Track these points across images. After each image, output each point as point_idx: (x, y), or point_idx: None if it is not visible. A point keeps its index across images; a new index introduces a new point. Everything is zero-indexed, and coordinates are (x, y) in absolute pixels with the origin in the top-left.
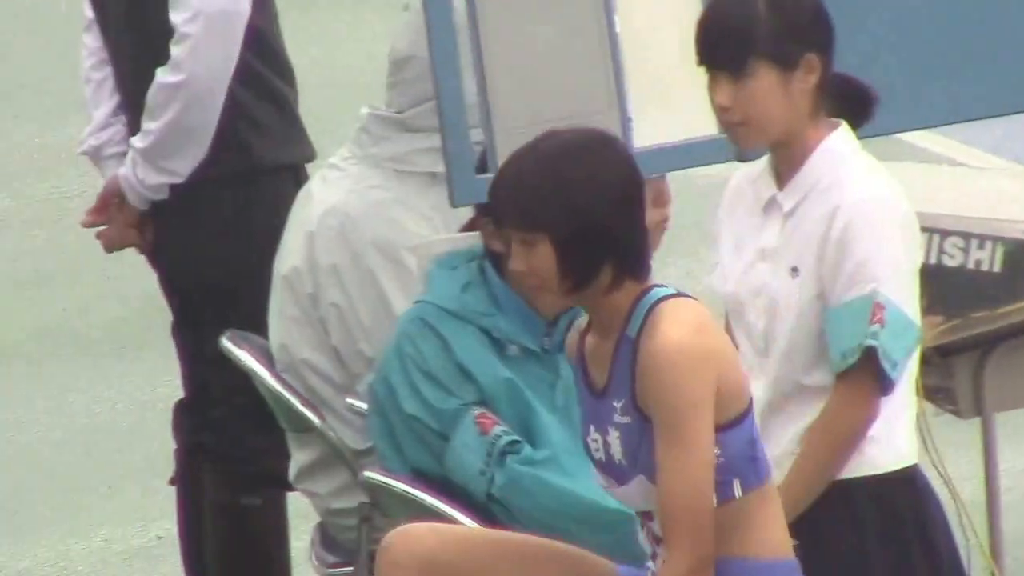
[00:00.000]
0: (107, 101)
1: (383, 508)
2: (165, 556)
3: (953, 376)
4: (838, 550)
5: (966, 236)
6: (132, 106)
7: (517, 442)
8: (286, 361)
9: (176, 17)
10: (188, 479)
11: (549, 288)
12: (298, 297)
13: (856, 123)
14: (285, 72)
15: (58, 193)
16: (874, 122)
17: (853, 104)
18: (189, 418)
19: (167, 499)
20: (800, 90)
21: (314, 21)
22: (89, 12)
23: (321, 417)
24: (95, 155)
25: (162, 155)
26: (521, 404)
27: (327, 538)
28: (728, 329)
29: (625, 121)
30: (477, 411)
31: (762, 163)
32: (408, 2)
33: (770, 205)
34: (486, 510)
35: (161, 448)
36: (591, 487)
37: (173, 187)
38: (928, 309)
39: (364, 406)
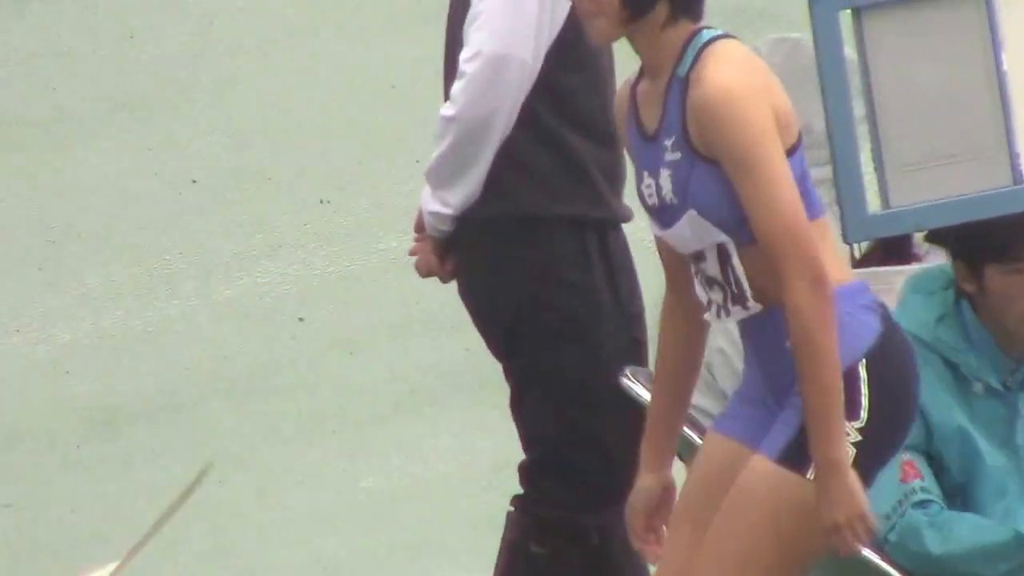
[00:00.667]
0: None
1: None
2: None
3: None
4: None
5: None
6: None
7: (931, 502)
8: None
9: (462, 55)
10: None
11: (607, 14)
12: None
13: None
14: (586, 126)
15: (276, 241)
16: None
17: None
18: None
19: None
20: None
21: None
22: None
23: None
24: None
25: (437, 184)
26: (970, 452)
27: None
28: None
29: (1015, 157)
30: (908, 456)
31: None
32: (756, 47)
33: None
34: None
35: None
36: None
37: (462, 222)
38: None
39: None
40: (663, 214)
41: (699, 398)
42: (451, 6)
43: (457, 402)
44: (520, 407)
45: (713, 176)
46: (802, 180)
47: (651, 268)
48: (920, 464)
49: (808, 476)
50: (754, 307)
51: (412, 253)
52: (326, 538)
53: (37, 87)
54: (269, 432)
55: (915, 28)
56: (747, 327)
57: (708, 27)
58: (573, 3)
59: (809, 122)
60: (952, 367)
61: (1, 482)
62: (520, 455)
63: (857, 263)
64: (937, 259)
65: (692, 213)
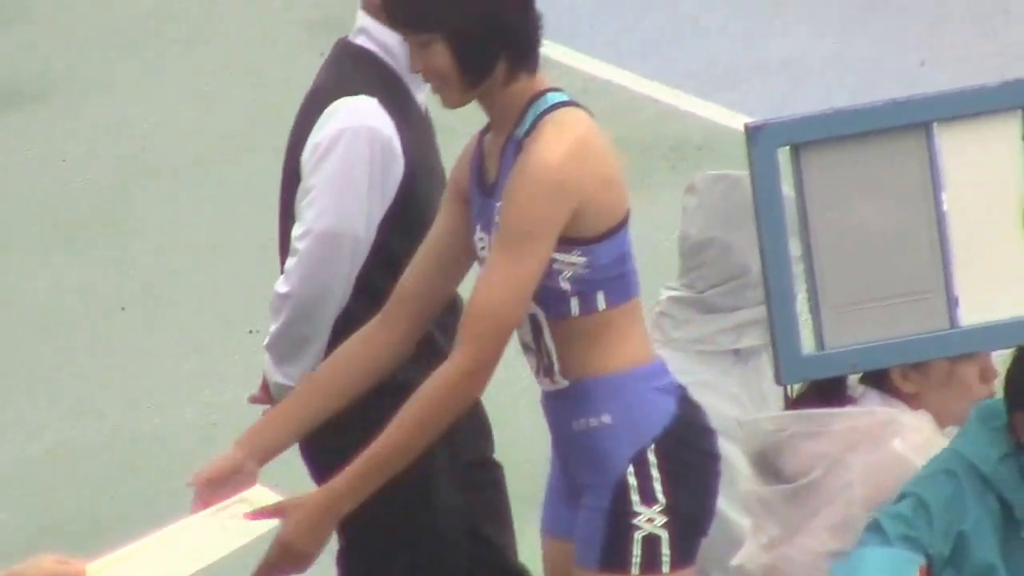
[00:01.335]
0: None
1: None
2: None
3: None
4: None
5: None
6: None
7: None
8: None
9: (294, 231)
10: None
11: (450, 86)
12: None
13: None
14: None
15: (207, 371)
16: None
17: None
18: None
19: None
20: None
21: None
22: None
23: None
24: None
25: (279, 357)
26: None
27: None
28: None
29: (952, 300)
30: (925, 562)
31: None
32: (693, 183)
33: None
34: None
35: None
36: None
37: None
38: None
39: None
40: None
41: None
42: (283, 175)
43: None
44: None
45: None
46: (622, 260)
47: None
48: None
49: (633, 572)
50: (560, 382)
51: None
52: None
53: None
54: None
55: (854, 166)
56: (549, 402)
57: (554, 89)
58: (422, 76)
59: (746, 261)
60: (1006, 507)
61: None
62: None
63: (792, 404)
64: (871, 402)
65: None
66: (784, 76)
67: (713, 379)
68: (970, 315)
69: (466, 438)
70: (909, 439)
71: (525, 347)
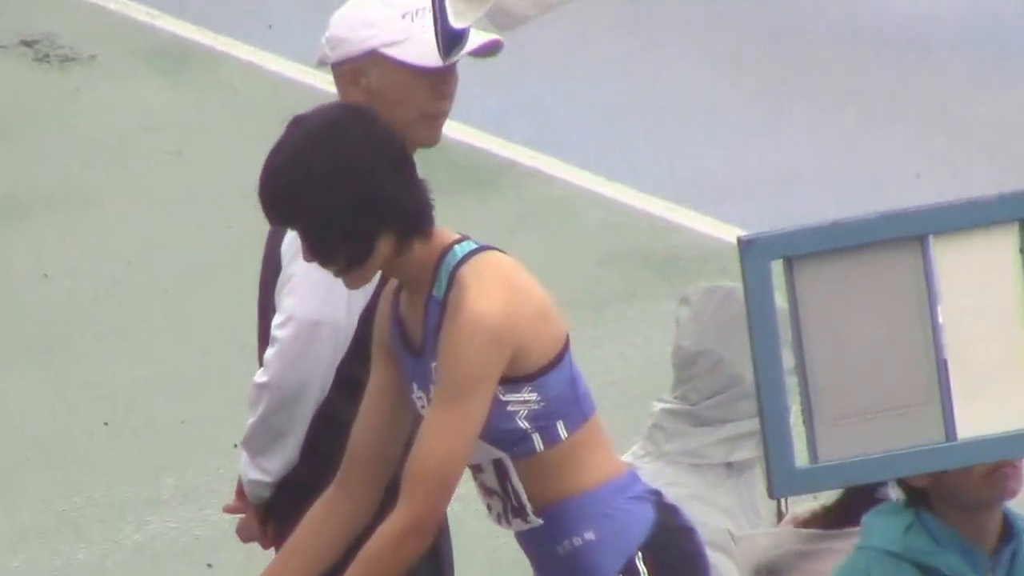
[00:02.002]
0: None
1: None
2: None
3: None
4: None
5: None
6: None
7: None
8: None
9: (274, 320)
10: None
11: (338, 272)
12: None
13: None
14: None
15: (189, 484)
16: None
17: None
18: None
19: None
20: None
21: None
22: None
23: None
24: None
25: (256, 452)
26: None
27: None
28: None
29: (948, 412)
30: None
31: None
32: (687, 295)
33: None
34: None
35: None
36: None
37: (280, 488)
38: None
39: None
40: None
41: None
42: (263, 270)
43: None
44: None
45: None
46: (573, 385)
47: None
48: None
49: None
50: (534, 521)
51: (230, 512)
52: None
53: None
54: None
55: (848, 278)
56: (526, 537)
57: (461, 240)
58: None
59: (739, 372)
60: (930, 571)
61: None
62: None
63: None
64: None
65: None
66: (778, 188)
67: (706, 492)
68: (967, 428)
69: None
70: None
71: (488, 492)
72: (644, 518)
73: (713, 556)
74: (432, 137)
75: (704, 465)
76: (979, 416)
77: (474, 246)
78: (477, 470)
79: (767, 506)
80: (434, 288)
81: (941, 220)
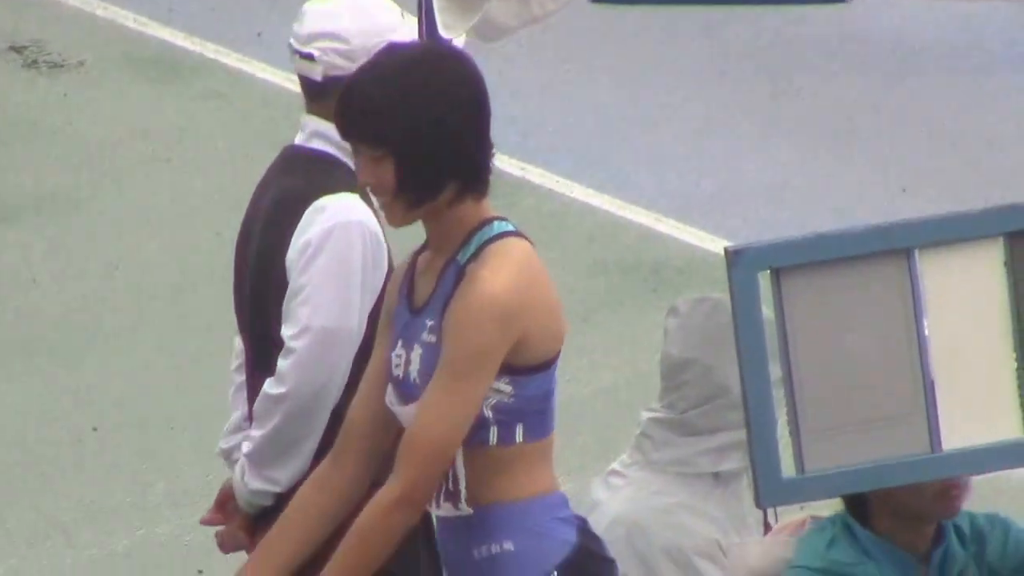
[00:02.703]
0: (243, 405)
1: None
2: None
3: None
4: None
5: None
6: (252, 412)
7: None
8: None
9: (286, 331)
10: None
11: (395, 203)
12: None
13: None
14: None
15: (179, 490)
16: None
17: None
18: None
19: None
20: None
21: None
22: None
23: None
24: (226, 457)
25: (263, 463)
26: None
27: None
28: None
29: (933, 423)
30: None
31: None
32: (675, 306)
33: None
34: None
35: None
36: None
37: (278, 496)
38: None
39: None
40: (403, 389)
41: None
42: (253, 281)
43: None
44: None
45: None
46: (546, 397)
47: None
48: None
49: None
50: (464, 509)
51: (216, 536)
52: None
53: None
54: None
55: (835, 291)
56: (446, 529)
57: (501, 218)
58: (369, 189)
59: (727, 382)
60: None
61: None
62: None
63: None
64: None
65: None
66: (765, 200)
67: (693, 501)
68: (951, 440)
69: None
70: None
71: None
72: (566, 540)
73: (702, 565)
74: None
75: (692, 474)
76: (964, 428)
77: (511, 228)
78: None
79: (754, 516)
80: (459, 253)
81: (927, 233)
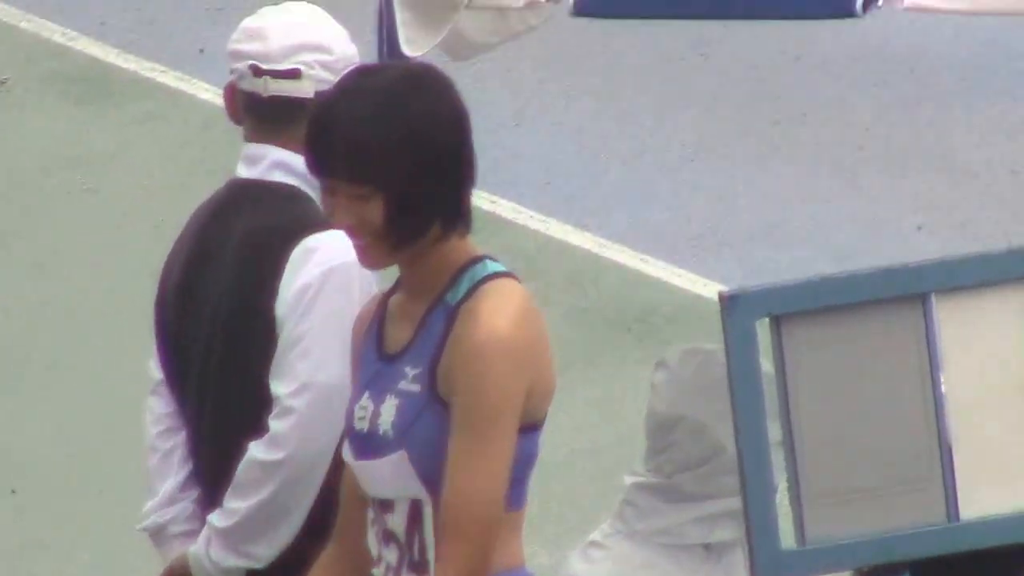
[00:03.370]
0: (176, 473)
1: None
2: None
3: None
4: None
5: None
6: (208, 478)
7: None
8: None
9: (280, 388)
10: None
11: (379, 244)
12: None
13: None
14: None
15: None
16: None
17: None
18: None
19: None
20: None
21: None
22: (157, 373)
23: None
24: (157, 533)
25: (245, 538)
26: None
27: None
28: None
29: (950, 491)
30: None
31: None
32: (664, 359)
33: None
34: None
35: None
36: None
37: (252, 573)
38: None
39: None
40: (367, 443)
41: None
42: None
43: None
44: None
45: (445, 426)
46: (527, 464)
47: None
48: None
49: None
50: None
51: None
52: None
53: None
54: None
55: (842, 341)
56: None
57: (490, 257)
58: (347, 231)
59: (720, 442)
60: None
61: None
62: None
63: None
64: None
65: (402, 455)
66: (763, 239)
67: None
68: (970, 508)
69: None
70: None
71: (385, 538)
72: None
73: None
74: None
75: (680, 546)
76: (984, 495)
77: (503, 268)
78: (384, 509)
79: None
80: (448, 294)
81: (945, 276)
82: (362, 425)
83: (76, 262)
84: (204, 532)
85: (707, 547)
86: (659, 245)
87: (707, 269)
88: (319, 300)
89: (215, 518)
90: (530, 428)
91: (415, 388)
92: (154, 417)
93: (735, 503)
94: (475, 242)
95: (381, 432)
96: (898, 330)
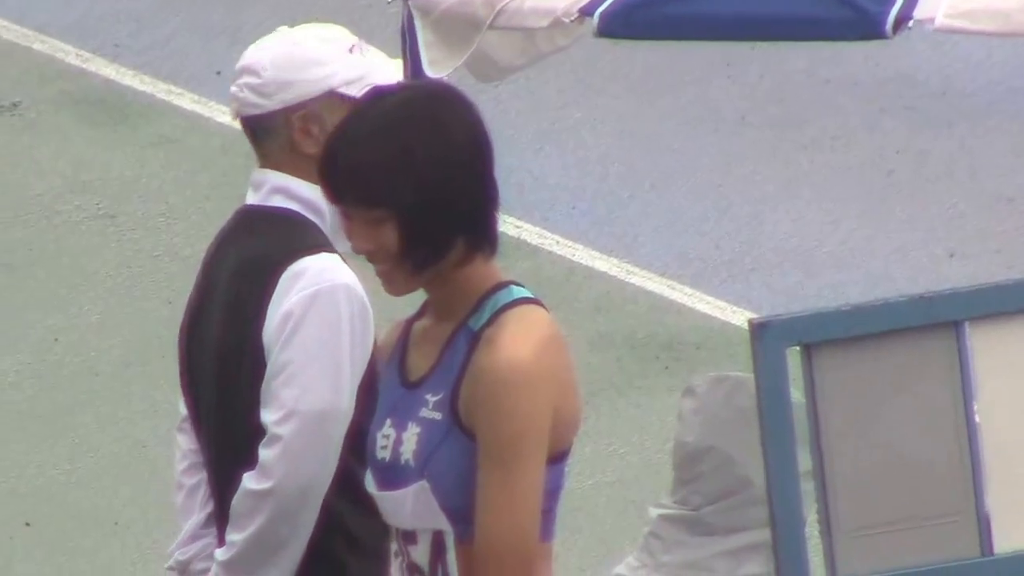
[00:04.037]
0: (200, 510)
1: None
2: None
3: None
4: None
5: None
6: (219, 511)
7: None
8: None
9: (267, 416)
10: None
11: (399, 268)
12: None
13: None
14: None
15: None
16: None
17: None
18: None
19: None
20: None
21: None
22: (183, 408)
23: None
24: (182, 571)
25: (246, 569)
26: None
27: None
28: None
29: (984, 523)
30: None
31: None
32: (691, 386)
33: None
34: None
35: None
36: None
37: None
38: None
39: None
40: (389, 473)
41: None
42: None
43: None
44: None
45: (466, 454)
46: (555, 495)
47: None
48: None
49: None
50: None
51: None
52: None
53: None
54: None
55: (874, 370)
56: None
57: (516, 283)
58: (366, 257)
59: (748, 474)
60: None
61: None
62: None
63: None
64: None
65: (423, 485)
66: (793, 266)
67: None
68: (1004, 542)
69: None
70: None
71: (411, 568)
72: None
73: None
74: None
75: None
76: (1020, 529)
77: (529, 294)
78: (408, 541)
79: None
80: (471, 319)
81: (979, 304)
82: (384, 454)
83: (91, 293)
84: (213, 568)
85: None
86: (687, 271)
87: (735, 295)
88: (303, 325)
89: (220, 552)
90: (557, 458)
91: (436, 416)
92: (180, 453)
93: (764, 536)
94: (504, 267)
95: (403, 461)
96: (931, 359)
